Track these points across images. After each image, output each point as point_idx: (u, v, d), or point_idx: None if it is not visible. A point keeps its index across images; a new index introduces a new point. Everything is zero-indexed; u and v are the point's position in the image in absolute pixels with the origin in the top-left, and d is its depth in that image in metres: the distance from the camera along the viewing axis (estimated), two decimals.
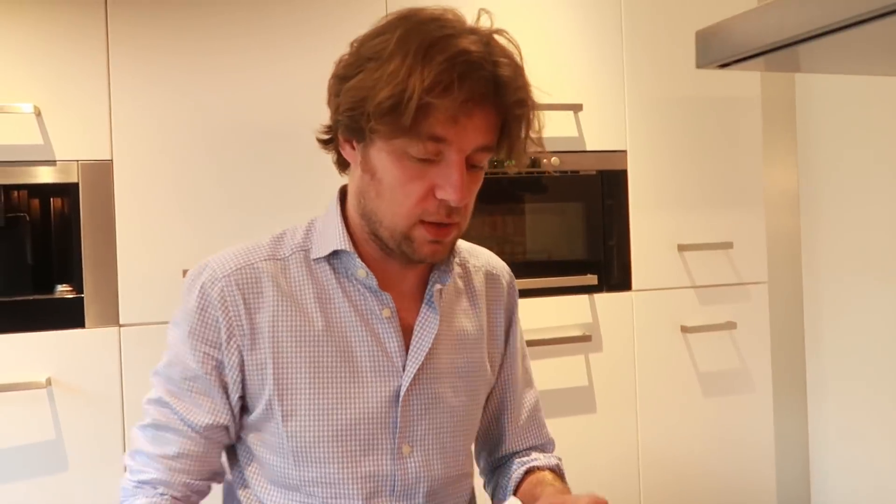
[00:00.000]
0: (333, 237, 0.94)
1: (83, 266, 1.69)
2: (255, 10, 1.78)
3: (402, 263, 0.94)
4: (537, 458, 1.11)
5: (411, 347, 0.96)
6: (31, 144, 1.67)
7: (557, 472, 1.10)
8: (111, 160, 1.71)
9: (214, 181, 1.76)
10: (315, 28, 1.81)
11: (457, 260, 1.04)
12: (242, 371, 0.93)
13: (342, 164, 0.97)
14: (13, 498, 1.64)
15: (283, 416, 0.92)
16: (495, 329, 1.07)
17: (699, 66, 0.89)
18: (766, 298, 2.14)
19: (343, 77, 0.86)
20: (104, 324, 1.70)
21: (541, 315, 1.96)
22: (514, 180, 1.95)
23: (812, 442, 2.28)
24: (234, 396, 0.94)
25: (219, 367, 0.93)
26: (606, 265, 2.02)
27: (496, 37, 0.87)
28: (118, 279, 1.70)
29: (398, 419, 0.94)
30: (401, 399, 0.94)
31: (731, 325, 2.08)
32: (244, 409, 0.96)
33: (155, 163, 1.73)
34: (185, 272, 1.71)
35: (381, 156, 0.86)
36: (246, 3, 1.78)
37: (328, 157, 1.00)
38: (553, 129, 1.97)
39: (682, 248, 2.06)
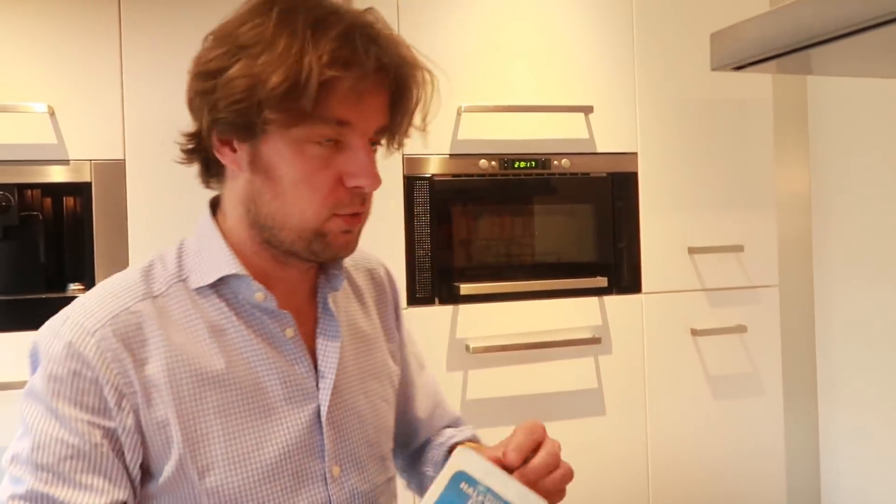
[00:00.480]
0: (217, 260, 0.82)
1: (95, 265, 1.70)
2: None
3: (301, 270, 0.86)
4: (454, 435, 1.06)
5: (319, 363, 0.87)
6: (45, 144, 1.69)
7: (478, 441, 1.06)
8: (124, 160, 1.72)
9: None
10: None
11: None
12: (141, 434, 0.78)
13: (212, 174, 0.86)
14: None
15: (199, 474, 0.79)
16: (388, 324, 1.01)
17: (714, 68, 0.89)
18: (776, 302, 2.13)
19: (213, 72, 0.76)
20: None
21: (550, 317, 1.96)
22: (523, 182, 1.95)
23: (822, 445, 2.27)
24: (135, 465, 0.79)
25: (109, 435, 0.77)
26: (616, 267, 2.02)
27: (374, 14, 0.79)
28: None
29: (324, 442, 0.86)
30: (323, 420, 0.85)
31: (741, 329, 2.08)
32: (144, 477, 0.80)
33: (167, 163, 1.73)
34: None
35: (278, 149, 0.77)
36: None
37: None
38: (564, 130, 1.97)
39: (692, 250, 2.05)
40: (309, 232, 0.79)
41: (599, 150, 2.00)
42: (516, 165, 1.94)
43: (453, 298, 1.89)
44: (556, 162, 1.96)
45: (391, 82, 0.79)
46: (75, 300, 0.84)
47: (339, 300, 0.94)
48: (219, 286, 0.83)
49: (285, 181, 0.78)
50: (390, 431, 0.99)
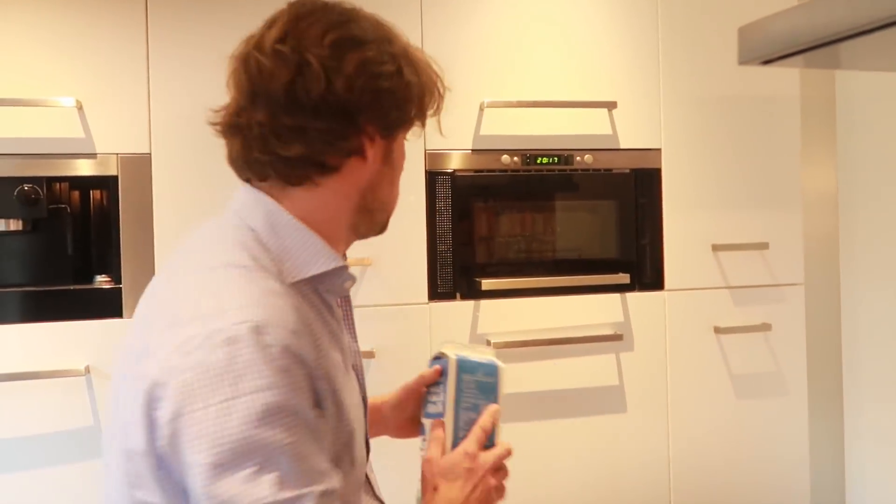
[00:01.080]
0: (316, 255, 0.83)
1: (121, 257, 1.72)
2: None
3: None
4: None
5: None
6: (73, 138, 1.71)
7: None
8: (150, 153, 1.74)
9: None
10: None
11: None
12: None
13: (323, 168, 0.83)
14: (51, 482, 1.68)
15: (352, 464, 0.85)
16: None
17: (741, 62, 0.88)
18: (802, 300, 2.10)
19: (390, 73, 0.83)
20: None
21: (572, 313, 1.95)
22: (545, 177, 1.95)
23: (847, 447, 2.23)
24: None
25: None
26: (639, 264, 2.01)
27: None
28: (155, 271, 1.74)
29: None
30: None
31: (766, 327, 2.05)
32: None
33: (193, 157, 1.76)
34: None
35: (400, 144, 0.90)
36: None
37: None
38: (587, 126, 1.96)
39: (716, 248, 2.03)
40: (389, 211, 0.93)
41: (623, 146, 1.99)
42: (538, 161, 1.94)
43: (475, 294, 1.89)
44: (578, 158, 1.95)
45: None
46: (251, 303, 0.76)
47: None
48: (314, 279, 0.84)
49: (397, 169, 0.91)
50: None
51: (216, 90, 1.89)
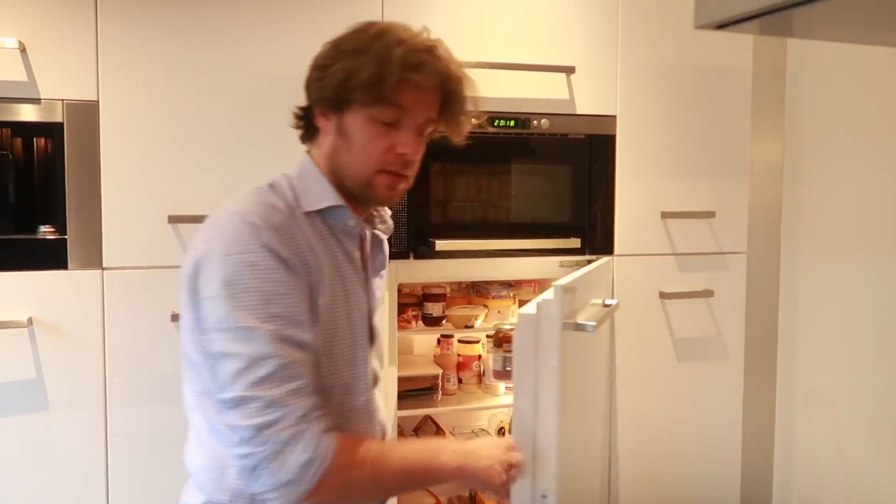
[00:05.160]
0: (324, 194, 1.13)
1: (67, 207, 1.68)
2: None
3: (361, 210, 1.19)
4: None
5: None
6: (15, 81, 1.64)
7: None
8: (97, 101, 1.69)
9: (202, 127, 1.74)
10: None
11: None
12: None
13: (309, 135, 1.18)
14: None
15: (326, 334, 1.11)
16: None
17: (697, 25, 0.90)
18: (744, 268, 2.18)
19: (324, 66, 1.09)
20: (87, 266, 1.69)
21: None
22: (502, 140, 1.95)
23: (778, 409, 2.34)
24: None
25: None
26: (590, 229, 2.04)
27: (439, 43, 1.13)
28: (102, 222, 1.69)
29: (371, 328, 1.22)
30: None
31: (708, 293, 2.12)
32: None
33: (142, 106, 1.71)
34: (170, 217, 1.71)
35: (356, 120, 1.09)
36: None
37: None
38: (544, 90, 1.97)
39: (665, 215, 2.08)
40: (363, 180, 1.11)
41: (579, 111, 2.01)
42: (496, 124, 1.94)
43: (429, 254, 1.90)
44: (535, 122, 1.97)
45: (441, 89, 1.11)
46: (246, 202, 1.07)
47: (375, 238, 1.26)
48: (323, 212, 1.12)
49: (355, 142, 1.10)
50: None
51: (168, 38, 1.83)
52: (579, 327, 1.17)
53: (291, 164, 1.18)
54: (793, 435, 2.30)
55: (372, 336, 1.20)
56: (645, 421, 2.11)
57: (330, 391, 1.08)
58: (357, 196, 1.14)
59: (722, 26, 0.89)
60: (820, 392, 2.20)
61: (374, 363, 1.22)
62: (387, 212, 1.31)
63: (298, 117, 1.18)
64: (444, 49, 1.11)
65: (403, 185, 1.15)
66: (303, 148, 1.20)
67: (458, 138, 1.18)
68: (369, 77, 1.05)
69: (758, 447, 2.34)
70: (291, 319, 1.01)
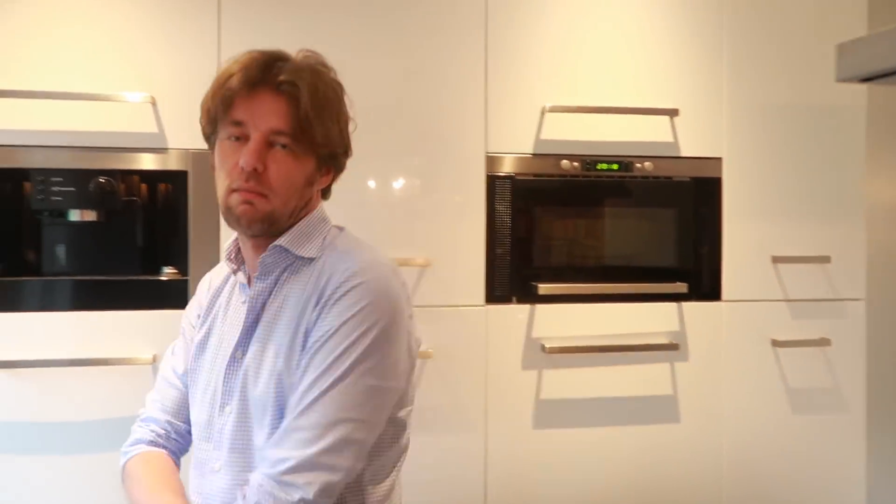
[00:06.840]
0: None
1: (189, 250, 1.77)
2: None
3: (252, 246, 1.11)
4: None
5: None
6: (146, 132, 1.76)
7: None
8: None
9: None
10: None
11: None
12: None
13: None
14: (109, 467, 1.72)
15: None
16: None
17: (839, 79, 0.88)
18: (863, 316, 2.06)
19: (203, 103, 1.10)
20: None
21: (628, 321, 1.94)
22: (605, 184, 1.94)
23: None
24: None
25: None
26: (697, 273, 1.99)
27: (302, 54, 1.09)
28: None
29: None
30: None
31: (825, 342, 2.02)
32: None
33: None
34: None
35: (217, 147, 1.07)
36: None
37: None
38: (647, 133, 1.96)
39: (776, 259, 2.00)
40: (223, 205, 1.06)
41: (683, 153, 1.98)
42: (598, 167, 1.93)
43: (531, 298, 1.89)
44: (638, 165, 1.95)
45: (287, 96, 1.03)
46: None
47: (292, 281, 1.08)
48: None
49: (218, 168, 1.07)
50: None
51: None
52: None
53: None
54: None
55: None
56: (756, 476, 2.01)
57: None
58: (229, 223, 1.07)
59: (866, 80, 0.86)
60: None
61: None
62: (330, 260, 1.07)
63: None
64: (292, 58, 1.06)
65: (261, 203, 1.03)
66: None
67: (330, 145, 1.07)
68: (208, 106, 1.07)
69: None
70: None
